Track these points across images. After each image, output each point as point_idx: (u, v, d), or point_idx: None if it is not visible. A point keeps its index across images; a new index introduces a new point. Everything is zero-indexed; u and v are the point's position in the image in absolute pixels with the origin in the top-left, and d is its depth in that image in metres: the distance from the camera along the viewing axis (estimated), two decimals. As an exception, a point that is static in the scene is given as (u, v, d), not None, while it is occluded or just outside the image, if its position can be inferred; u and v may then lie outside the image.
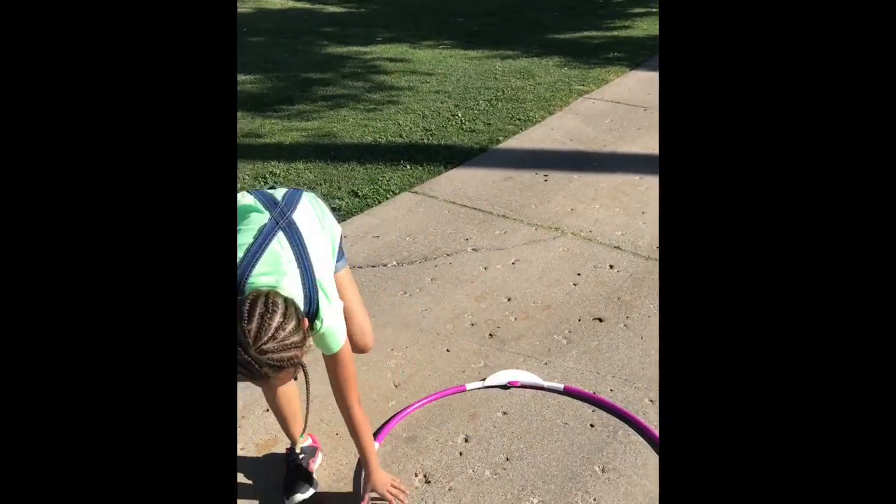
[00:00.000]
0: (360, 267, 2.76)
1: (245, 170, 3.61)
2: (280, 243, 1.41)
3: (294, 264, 1.40)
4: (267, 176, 3.55)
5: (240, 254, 1.37)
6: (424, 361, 2.21)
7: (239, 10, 8.09)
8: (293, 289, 1.37)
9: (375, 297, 2.55)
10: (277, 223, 1.44)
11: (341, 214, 3.19)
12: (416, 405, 2.00)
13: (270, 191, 1.57)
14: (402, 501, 1.66)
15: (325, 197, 3.35)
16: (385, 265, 2.78)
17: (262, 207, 1.47)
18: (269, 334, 1.24)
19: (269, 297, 1.28)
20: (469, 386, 2.07)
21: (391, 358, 2.23)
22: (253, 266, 1.36)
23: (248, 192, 1.53)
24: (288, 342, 1.26)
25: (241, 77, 5.32)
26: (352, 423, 1.59)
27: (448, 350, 2.27)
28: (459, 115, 4.52)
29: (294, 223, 1.46)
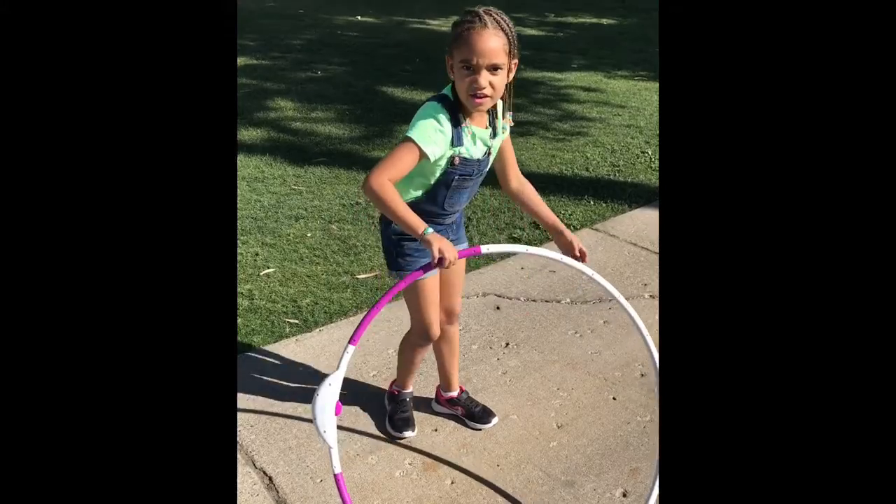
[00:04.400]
0: (533, 300, 2.82)
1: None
2: None
3: None
4: (454, 199, 3.72)
5: None
6: (589, 406, 2.23)
7: (441, 28, 8.47)
8: None
9: (546, 333, 2.60)
10: None
11: (522, 245, 3.27)
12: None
13: None
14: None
15: (507, 226, 3.45)
16: (559, 301, 2.82)
17: None
18: (498, 11, 1.63)
19: None
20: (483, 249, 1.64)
21: (556, 397, 2.27)
22: None
23: None
24: (507, 20, 1.62)
25: (438, 97, 5.58)
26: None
27: (615, 398, 2.26)
28: (650, 152, 4.45)
29: None
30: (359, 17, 9.14)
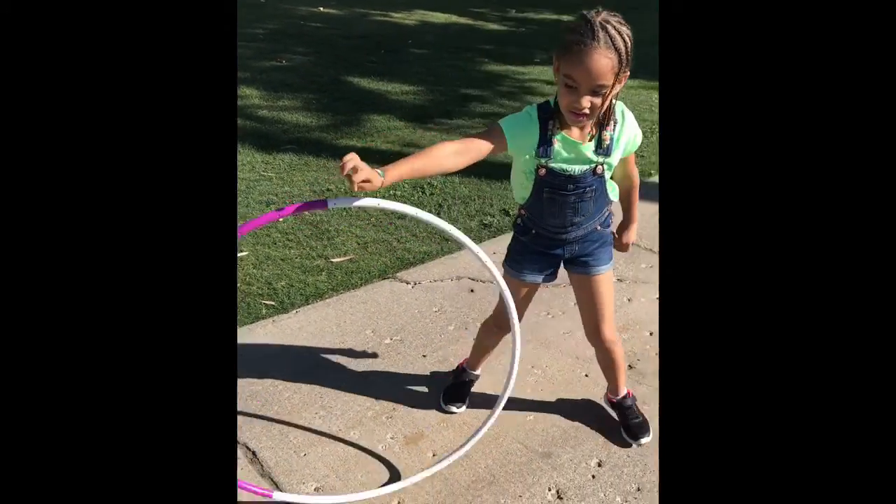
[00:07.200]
0: (506, 283, 2.88)
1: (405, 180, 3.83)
2: None
3: None
4: (424, 187, 3.76)
5: None
6: (563, 383, 2.30)
7: (405, 21, 8.49)
8: None
9: (519, 315, 2.66)
10: None
11: (492, 231, 3.34)
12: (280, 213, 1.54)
13: None
14: None
15: (478, 213, 3.51)
16: (530, 285, 2.89)
17: None
18: (617, 18, 1.50)
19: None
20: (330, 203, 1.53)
21: (531, 374, 2.34)
22: None
23: None
24: (624, 32, 1.49)
25: (405, 87, 5.62)
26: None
27: (587, 375, 2.34)
28: (613, 144, 4.55)
29: None
30: (321, 9, 9.09)
